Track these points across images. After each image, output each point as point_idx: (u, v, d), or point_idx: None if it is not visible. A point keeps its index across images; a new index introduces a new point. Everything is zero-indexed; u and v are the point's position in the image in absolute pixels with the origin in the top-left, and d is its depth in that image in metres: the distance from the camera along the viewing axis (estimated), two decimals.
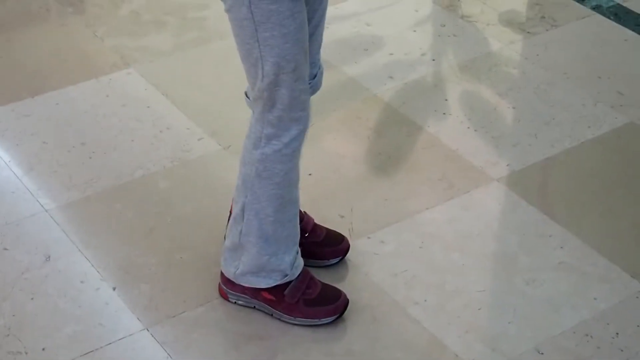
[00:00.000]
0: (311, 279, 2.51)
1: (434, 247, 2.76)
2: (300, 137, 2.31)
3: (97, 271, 2.64)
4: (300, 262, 2.50)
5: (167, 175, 2.99)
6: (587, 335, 2.50)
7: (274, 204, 2.37)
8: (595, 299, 2.60)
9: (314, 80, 2.40)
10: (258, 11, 2.13)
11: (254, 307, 2.52)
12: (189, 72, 3.47)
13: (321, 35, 2.42)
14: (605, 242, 2.78)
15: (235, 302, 2.53)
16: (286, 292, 2.47)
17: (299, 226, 2.48)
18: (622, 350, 2.46)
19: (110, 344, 2.45)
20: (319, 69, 2.43)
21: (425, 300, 2.59)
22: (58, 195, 2.90)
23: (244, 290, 2.50)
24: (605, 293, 2.62)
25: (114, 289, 2.59)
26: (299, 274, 2.48)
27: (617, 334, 2.51)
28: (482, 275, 2.68)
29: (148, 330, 2.48)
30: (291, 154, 2.32)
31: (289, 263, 2.45)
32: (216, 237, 2.72)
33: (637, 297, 2.61)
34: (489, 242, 2.79)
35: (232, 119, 3.16)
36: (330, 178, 2.99)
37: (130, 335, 2.47)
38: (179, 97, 3.32)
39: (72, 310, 2.54)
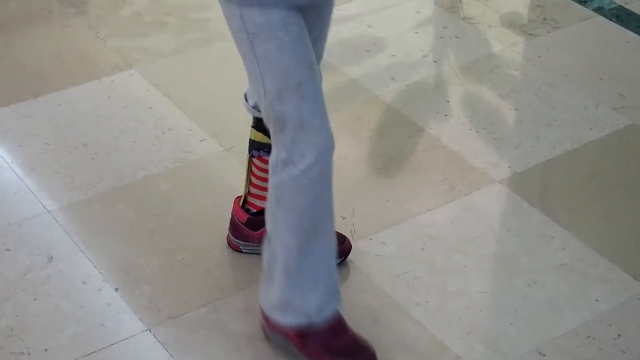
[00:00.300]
0: (342, 327, 2.33)
1: (435, 248, 2.76)
2: (317, 166, 2.13)
3: (100, 272, 2.64)
4: (332, 309, 2.31)
5: (169, 176, 2.99)
6: (588, 336, 2.50)
7: (297, 238, 2.20)
8: (596, 300, 2.60)
9: None
10: (250, 22, 2.05)
11: (286, 349, 2.36)
12: (191, 73, 3.47)
13: (321, 48, 2.34)
14: (606, 244, 2.78)
15: (270, 340, 2.39)
16: (309, 337, 2.30)
17: (334, 266, 2.30)
18: (623, 352, 2.46)
19: (112, 344, 2.45)
20: None
21: (426, 302, 2.59)
22: (60, 196, 2.90)
23: (275, 327, 2.35)
24: (606, 294, 2.62)
25: (116, 289, 2.59)
26: (328, 322, 2.31)
27: (619, 335, 2.51)
28: (484, 277, 2.68)
29: (150, 331, 2.48)
30: (309, 184, 2.15)
31: (315, 306, 2.27)
32: (217, 238, 2.73)
33: (638, 299, 2.61)
34: (490, 244, 2.79)
35: (233, 120, 3.16)
36: None
37: (132, 336, 2.47)
38: (181, 98, 3.32)
39: (74, 311, 2.54)
